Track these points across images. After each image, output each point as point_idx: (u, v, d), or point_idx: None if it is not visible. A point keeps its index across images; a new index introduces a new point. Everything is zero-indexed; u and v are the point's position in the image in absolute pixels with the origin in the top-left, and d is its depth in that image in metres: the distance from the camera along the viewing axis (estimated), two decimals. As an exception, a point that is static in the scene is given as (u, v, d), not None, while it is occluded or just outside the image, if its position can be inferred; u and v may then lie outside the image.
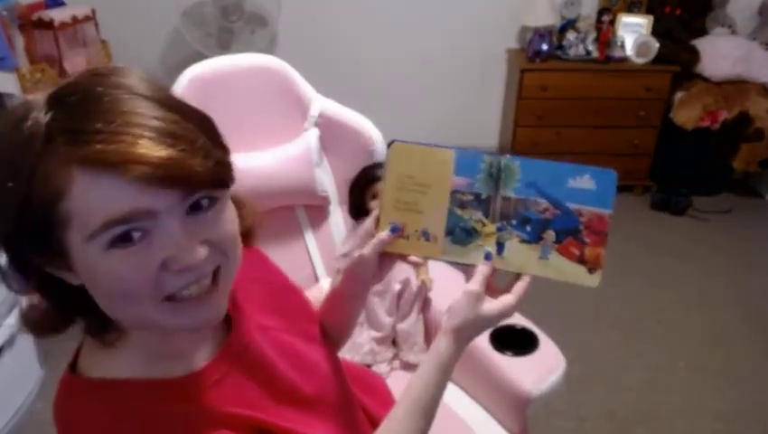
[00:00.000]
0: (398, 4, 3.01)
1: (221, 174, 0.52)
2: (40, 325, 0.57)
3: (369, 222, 0.70)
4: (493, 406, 1.21)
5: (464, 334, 0.66)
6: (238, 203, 0.58)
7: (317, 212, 1.54)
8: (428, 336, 1.39)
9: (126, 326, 0.55)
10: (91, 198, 0.46)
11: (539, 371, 1.13)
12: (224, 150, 0.54)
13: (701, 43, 2.85)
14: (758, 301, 2.30)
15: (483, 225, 0.68)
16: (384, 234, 0.68)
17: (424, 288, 1.39)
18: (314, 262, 1.52)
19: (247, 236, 0.63)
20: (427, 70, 3.16)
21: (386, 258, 0.70)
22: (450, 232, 0.69)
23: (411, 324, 1.37)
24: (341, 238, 1.52)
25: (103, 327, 0.55)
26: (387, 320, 1.38)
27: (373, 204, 1.41)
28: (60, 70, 2.34)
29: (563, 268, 0.66)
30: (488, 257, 0.67)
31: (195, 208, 0.50)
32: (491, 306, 0.65)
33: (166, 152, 0.46)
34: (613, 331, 2.15)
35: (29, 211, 0.47)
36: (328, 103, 1.51)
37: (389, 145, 0.69)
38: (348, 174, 1.46)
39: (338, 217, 1.55)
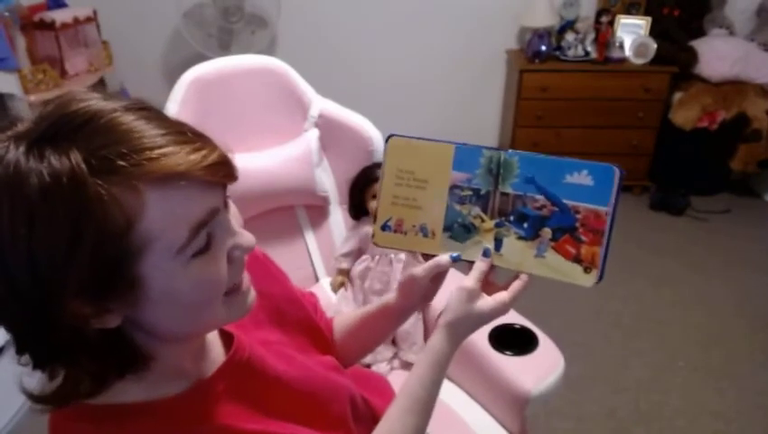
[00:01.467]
0: (397, 5, 3.02)
1: None
2: (73, 393, 0.50)
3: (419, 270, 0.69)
4: (493, 406, 1.21)
5: (458, 330, 0.66)
6: None
7: (317, 212, 1.55)
8: (428, 336, 1.39)
9: (177, 338, 0.54)
10: (171, 211, 0.45)
11: (539, 370, 1.13)
12: None
13: (699, 44, 2.86)
14: (757, 301, 2.31)
15: (482, 221, 0.66)
16: (443, 258, 0.67)
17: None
18: (314, 262, 1.53)
19: None
20: (427, 71, 3.17)
21: (438, 275, 0.70)
22: (448, 228, 0.68)
23: (411, 323, 1.37)
24: (341, 238, 1.52)
25: (128, 363, 0.51)
26: (387, 320, 1.39)
27: (373, 204, 1.42)
28: (61, 70, 2.35)
29: (559, 267, 0.64)
30: (486, 253, 0.66)
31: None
32: (485, 303, 0.65)
33: (217, 151, 0.48)
34: (613, 331, 2.15)
35: (106, 252, 0.43)
36: (328, 104, 1.51)
37: (387, 139, 0.68)
38: (348, 174, 1.46)
39: (338, 217, 1.55)
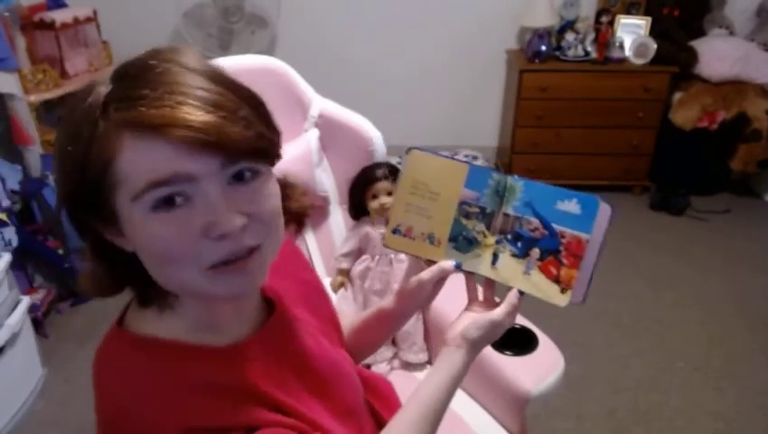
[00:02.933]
0: (397, 5, 3.02)
1: (262, 147, 0.53)
2: (94, 287, 0.59)
3: (426, 274, 0.73)
4: (493, 405, 1.21)
5: (480, 348, 0.70)
6: (288, 186, 0.64)
7: (317, 212, 1.55)
8: (428, 336, 1.40)
9: (172, 292, 0.57)
10: (137, 160, 0.49)
11: (539, 370, 1.13)
12: (271, 128, 0.56)
13: (699, 44, 2.86)
14: (757, 301, 2.31)
15: (484, 236, 0.72)
16: (448, 264, 0.72)
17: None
18: (314, 262, 1.53)
19: (298, 221, 0.68)
20: (427, 71, 3.17)
21: (440, 280, 0.74)
22: (453, 239, 0.73)
23: (411, 324, 1.37)
24: (342, 238, 1.52)
25: (152, 294, 0.57)
26: (387, 320, 1.39)
27: (372, 204, 1.42)
28: (61, 70, 2.34)
29: (540, 285, 0.71)
30: (458, 266, 0.72)
31: (238, 178, 0.51)
32: (503, 325, 0.70)
33: (206, 117, 0.48)
34: (613, 331, 2.15)
35: (86, 174, 0.50)
36: (328, 104, 1.51)
37: (407, 151, 0.74)
38: (348, 174, 1.46)
39: (338, 217, 1.55)
